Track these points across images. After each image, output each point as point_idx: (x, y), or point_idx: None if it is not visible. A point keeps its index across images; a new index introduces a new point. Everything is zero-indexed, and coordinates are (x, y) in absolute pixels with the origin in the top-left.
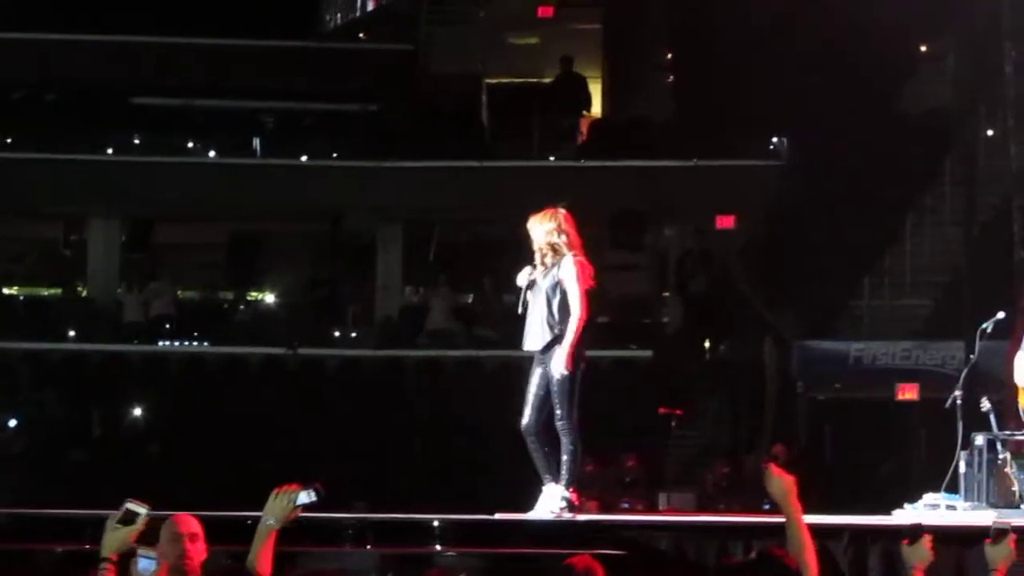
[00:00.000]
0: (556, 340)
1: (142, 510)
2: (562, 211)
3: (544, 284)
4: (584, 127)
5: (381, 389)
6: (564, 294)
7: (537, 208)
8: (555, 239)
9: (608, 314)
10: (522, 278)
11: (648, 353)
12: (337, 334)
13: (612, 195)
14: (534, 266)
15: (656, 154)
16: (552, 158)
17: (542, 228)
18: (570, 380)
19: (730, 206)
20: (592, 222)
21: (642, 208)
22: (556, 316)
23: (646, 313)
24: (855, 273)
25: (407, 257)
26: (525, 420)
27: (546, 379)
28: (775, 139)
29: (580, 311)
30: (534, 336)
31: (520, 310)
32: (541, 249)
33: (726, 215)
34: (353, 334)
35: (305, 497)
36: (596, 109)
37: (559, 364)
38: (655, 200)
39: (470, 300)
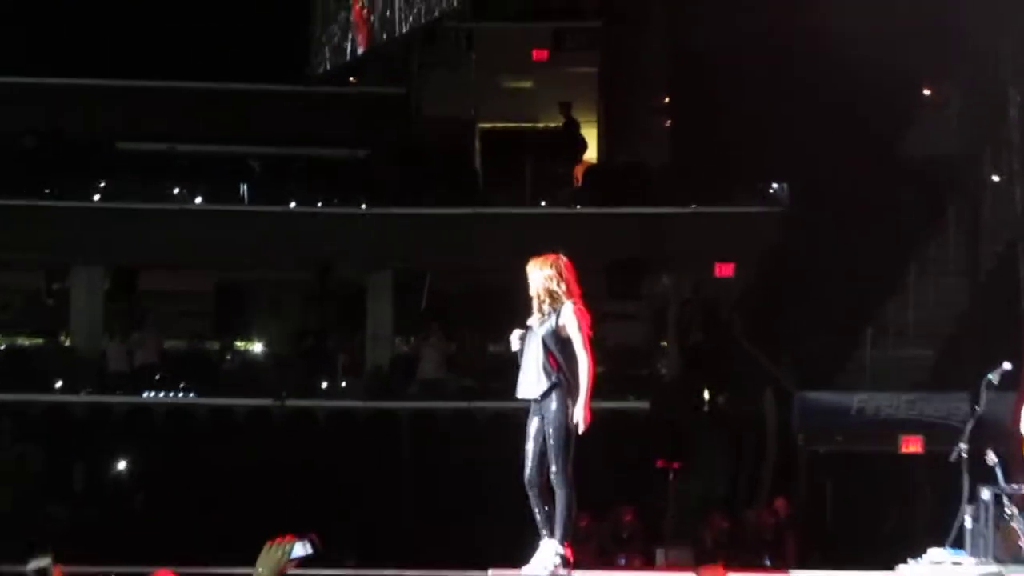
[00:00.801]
0: (553, 388)
1: (44, 562)
2: (563, 258)
3: (540, 331)
4: (579, 173)
5: (372, 441)
6: (562, 341)
7: (532, 255)
8: (554, 286)
9: (605, 364)
10: (515, 342)
11: (645, 404)
12: (326, 385)
13: (609, 242)
14: (526, 328)
15: (654, 200)
16: (545, 203)
17: (541, 273)
18: (567, 431)
19: (729, 254)
20: (588, 270)
21: (639, 256)
22: (553, 363)
23: (643, 363)
24: (857, 322)
25: (398, 306)
26: (527, 473)
27: (543, 430)
28: (775, 185)
29: (588, 358)
30: (529, 384)
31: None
32: (539, 295)
33: (725, 263)
34: (343, 384)
35: (300, 549)
36: (591, 154)
37: (562, 415)
38: (653, 248)
39: (462, 349)
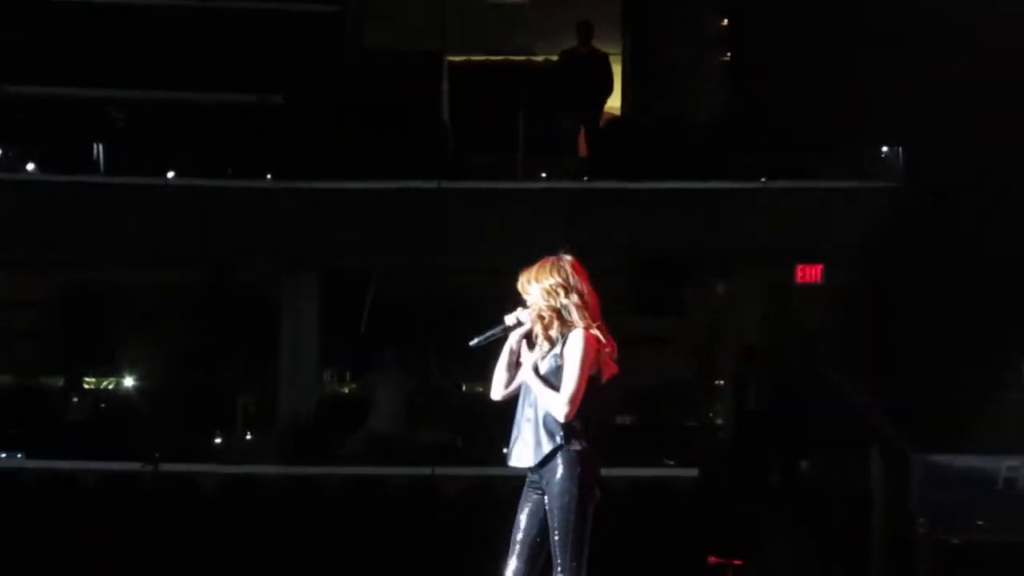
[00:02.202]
0: (557, 451)
1: None
2: (568, 259)
3: (543, 367)
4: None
5: (286, 524)
6: None
7: (524, 255)
8: (561, 300)
9: (630, 412)
10: (511, 317)
11: (691, 472)
12: (220, 441)
13: (635, 233)
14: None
15: (702, 171)
16: (544, 175)
17: (540, 287)
18: (579, 514)
19: (817, 250)
20: (604, 274)
21: (681, 253)
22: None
23: (687, 410)
24: (1005, 352)
25: (327, 324)
26: (509, 574)
27: (541, 512)
28: (884, 149)
29: (570, 389)
30: (525, 447)
31: (505, 377)
32: (541, 317)
33: (811, 263)
34: (245, 439)
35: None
36: (610, 103)
37: (571, 491)
38: (701, 241)
39: (424, 389)
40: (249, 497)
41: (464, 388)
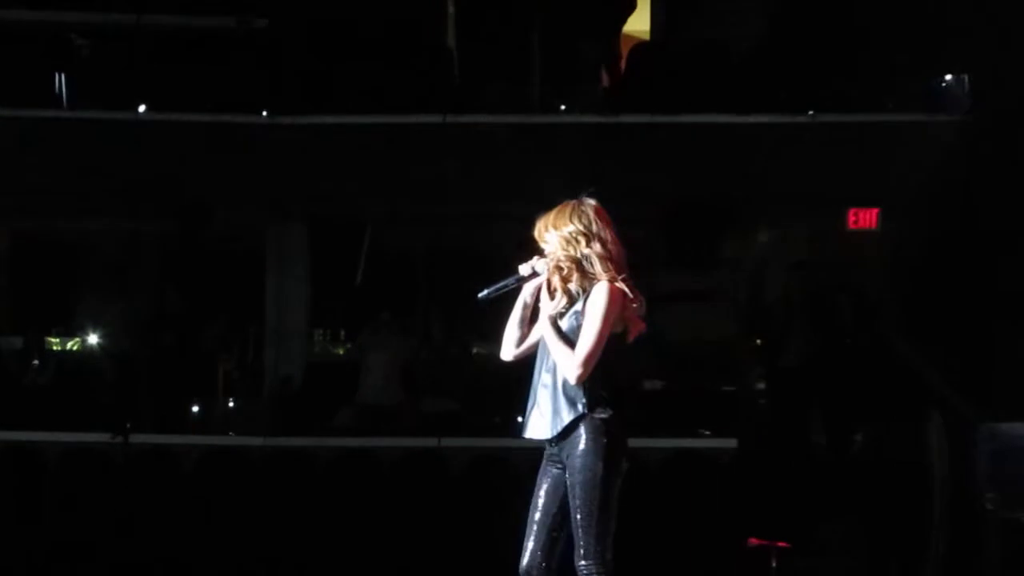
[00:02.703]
0: (580, 421)
1: None
2: (590, 203)
3: (563, 324)
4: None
5: (272, 499)
6: None
7: (544, 199)
8: (583, 249)
9: (661, 375)
10: (525, 267)
11: (731, 442)
12: (198, 409)
13: (666, 175)
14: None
15: (742, 103)
16: (564, 108)
17: (558, 234)
18: (604, 492)
19: (871, 193)
20: (632, 221)
21: (718, 196)
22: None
23: (726, 374)
24: None
25: (317, 278)
26: (525, 560)
27: (561, 489)
28: (947, 78)
29: (586, 347)
30: (541, 416)
31: (517, 334)
32: (560, 268)
33: (864, 208)
34: (228, 407)
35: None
36: (637, 25)
37: (595, 466)
38: (741, 183)
39: (428, 352)
40: (231, 472)
41: (474, 350)
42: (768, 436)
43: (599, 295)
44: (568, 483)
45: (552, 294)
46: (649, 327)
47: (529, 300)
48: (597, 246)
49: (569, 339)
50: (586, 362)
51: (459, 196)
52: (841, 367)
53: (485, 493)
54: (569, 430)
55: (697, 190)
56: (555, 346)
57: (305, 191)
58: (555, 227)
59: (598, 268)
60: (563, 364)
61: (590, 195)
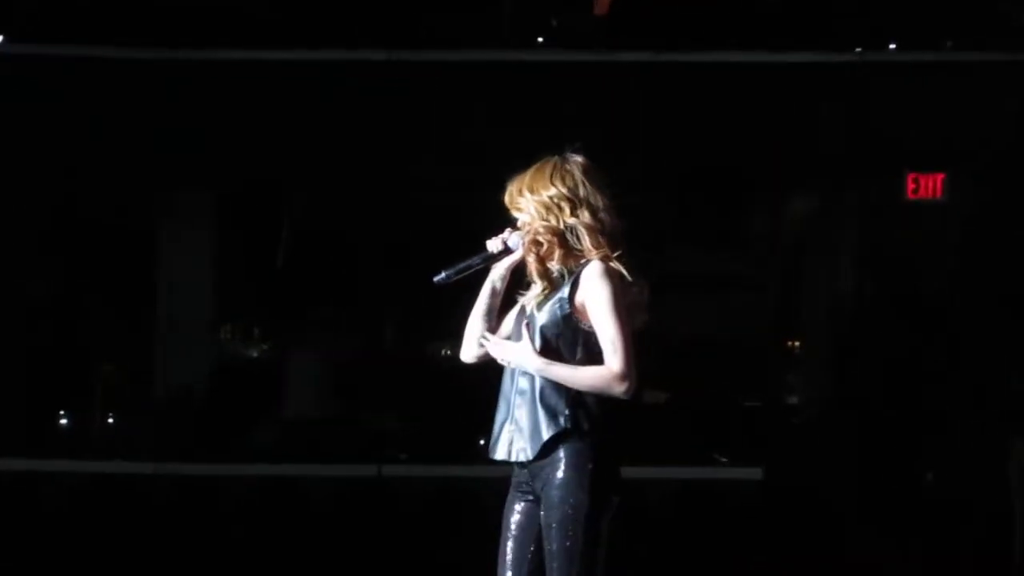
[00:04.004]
0: (561, 441)
1: None
2: (577, 161)
3: (541, 318)
4: None
5: (167, 542)
6: (584, 340)
7: (518, 155)
8: (566, 219)
9: (667, 385)
10: (494, 242)
11: (755, 473)
12: (69, 425)
13: (676, 127)
14: (519, 308)
15: (773, 39)
16: (541, 41)
17: (536, 200)
18: (586, 530)
19: (936, 154)
20: (631, 185)
21: (744, 157)
22: (565, 389)
23: (750, 384)
24: None
25: (225, 261)
26: None
27: (536, 526)
28: None
29: (621, 363)
30: (519, 432)
31: (482, 328)
32: (538, 243)
33: (927, 173)
34: (107, 423)
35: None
36: None
37: (577, 498)
38: (772, 140)
39: (373, 355)
40: (112, 508)
41: (429, 351)
42: (804, 466)
43: (596, 278)
44: (543, 521)
45: (529, 276)
46: (651, 321)
47: (499, 285)
48: (585, 215)
49: (551, 337)
50: (628, 361)
51: (410, 155)
52: (900, 379)
53: (441, 534)
54: (546, 451)
55: (716, 147)
56: (544, 351)
57: (211, 149)
58: (532, 190)
59: (586, 243)
60: (596, 376)
61: (576, 151)
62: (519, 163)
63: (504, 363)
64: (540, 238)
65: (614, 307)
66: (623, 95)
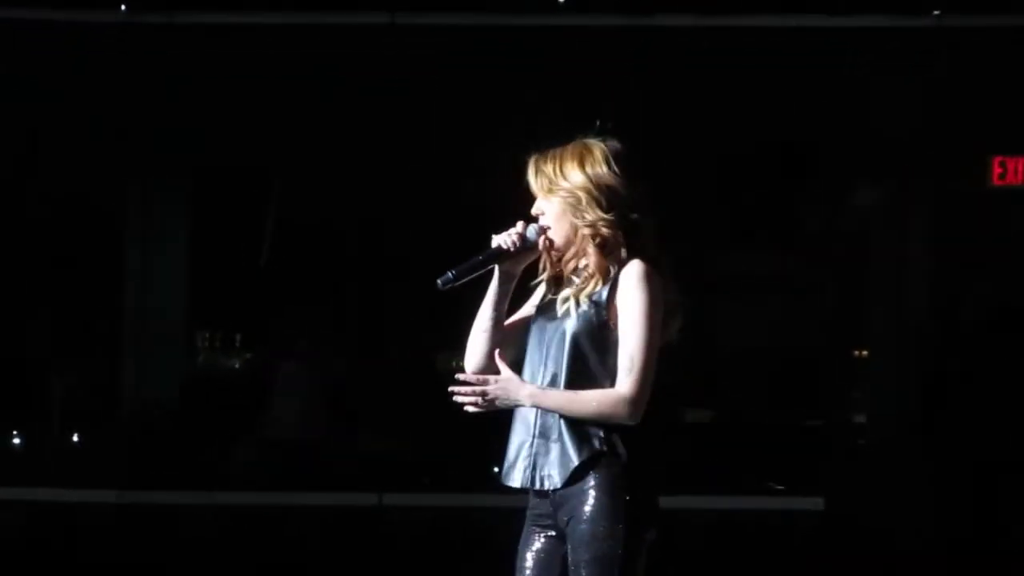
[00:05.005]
0: (592, 466)
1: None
2: (615, 145)
3: (572, 325)
4: None
5: (127, 567)
6: (616, 347)
7: (536, 142)
8: (597, 214)
9: (711, 403)
10: (507, 236)
11: (816, 502)
12: (23, 444)
13: (720, 105)
14: (536, 311)
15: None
16: (563, 2)
17: (572, 188)
18: (623, 565)
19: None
20: (670, 175)
21: (793, 139)
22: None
23: (813, 400)
24: None
25: (201, 258)
26: None
27: (557, 567)
28: None
29: (640, 362)
30: (544, 457)
31: (490, 337)
32: (561, 239)
33: (1015, 156)
34: (73, 439)
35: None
36: None
37: (598, 523)
38: (828, 118)
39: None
40: (73, 540)
41: (434, 363)
42: (871, 496)
43: (637, 280)
44: (571, 559)
45: (557, 276)
46: (688, 328)
47: (509, 286)
48: (628, 208)
49: (584, 348)
50: (642, 384)
51: (413, 136)
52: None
53: (447, 573)
54: (574, 478)
55: (766, 129)
56: (567, 360)
57: (187, 127)
58: (565, 175)
59: (631, 241)
60: (604, 397)
61: (606, 134)
62: (536, 146)
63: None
64: (572, 234)
65: (647, 318)
66: (659, 66)
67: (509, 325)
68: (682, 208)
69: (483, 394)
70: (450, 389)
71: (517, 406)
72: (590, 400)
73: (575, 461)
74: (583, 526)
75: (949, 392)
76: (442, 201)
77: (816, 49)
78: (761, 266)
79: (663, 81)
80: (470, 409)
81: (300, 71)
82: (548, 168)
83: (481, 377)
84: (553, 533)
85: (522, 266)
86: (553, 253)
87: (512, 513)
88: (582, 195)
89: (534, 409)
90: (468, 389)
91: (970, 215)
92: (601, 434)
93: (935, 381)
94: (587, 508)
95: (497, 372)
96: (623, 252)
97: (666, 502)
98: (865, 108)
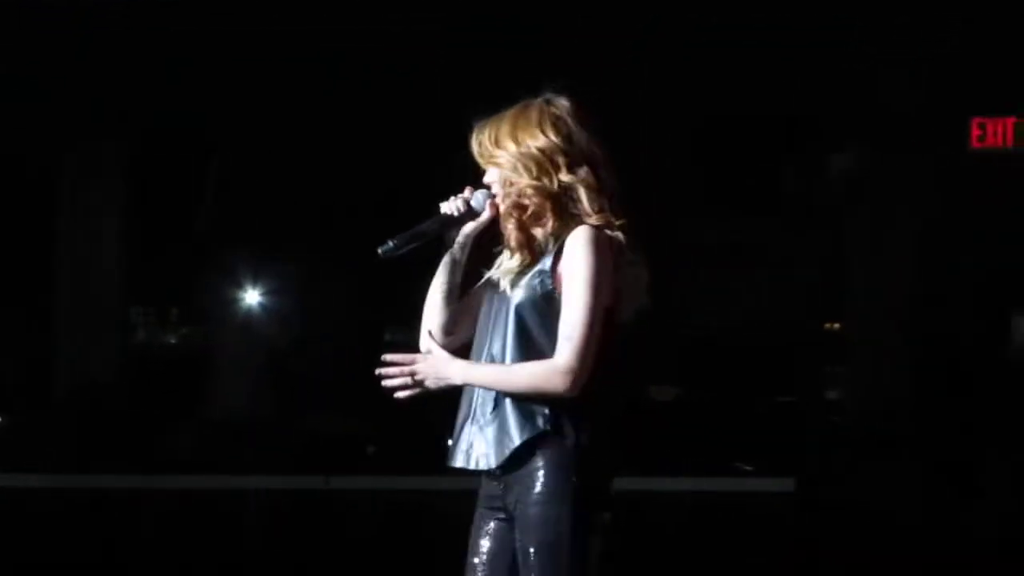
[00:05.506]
0: (537, 444)
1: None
2: (564, 103)
3: (516, 296)
4: None
5: (67, 568)
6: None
7: (490, 96)
8: (561, 177)
9: (679, 379)
10: (453, 203)
11: (786, 483)
12: None
13: (694, 66)
14: (486, 280)
15: None
16: None
17: (521, 153)
18: (571, 555)
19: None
20: (640, 139)
21: (767, 105)
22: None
23: (784, 377)
24: None
25: (137, 226)
26: None
27: (509, 549)
28: None
29: (578, 332)
30: (481, 436)
31: (443, 312)
32: (520, 207)
33: (995, 117)
34: None
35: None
36: None
37: (547, 505)
38: (810, 85)
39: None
40: (10, 527)
41: (384, 339)
42: (845, 476)
43: (582, 244)
44: (518, 545)
45: (505, 246)
46: (654, 301)
47: (460, 256)
48: (583, 171)
49: (528, 321)
50: (579, 354)
51: (365, 87)
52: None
53: (398, 557)
54: (520, 459)
55: (739, 92)
56: (512, 338)
57: (124, 88)
58: (515, 141)
59: (586, 206)
60: (538, 366)
61: (558, 93)
62: (491, 106)
63: (424, 386)
64: (527, 200)
65: (589, 284)
66: (621, 24)
67: (465, 298)
68: (657, 174)
69: (411, 374)
70: (377, 372)
71: (449, 385)
72: (521, 373)
73: (515, 441)
74: (531, 509)
75: (928, 364)
76: (398, 159)
77: (791, 12)
78: (733, 236)
79: (634, 43)
80: (400, 395)
81: (238, 24)
82: (484, 135)
83: (408, 356)
84: (503, 516)
85: (472, 235)
86: (511, 223)
87: (468, 495)
88: (514, 162)
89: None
90: (395, 370)
91: (953, 180)
92: (546, 412)
93: (913, 353)
94: (535, 491)
95: (451, 349)
96: (550, 220)
97: (630, 483)
98: (844, 72)
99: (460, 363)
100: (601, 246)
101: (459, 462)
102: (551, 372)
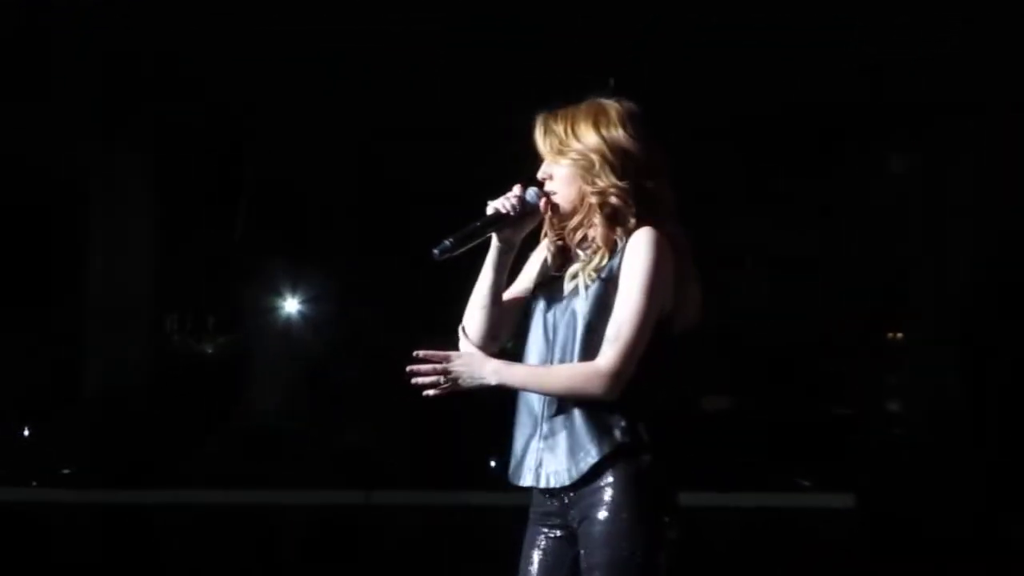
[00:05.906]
0: (612, 460)
1: None
2: (626, 107)
3: (579, 302)
4: None
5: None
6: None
7: (540, 97)
8: (610, 180)
9: (731, 391)
10: (505, 200)
11: (846, 499)
12: None
13: (736, 63)
14: (536, 285)
15: None
16: None
17: (586, 150)
18: (645, 570)
19: None
20: (679, 140)
21: (814, 99)
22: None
23: (843, 388)
24: None
25: (170, 238)
26: None
27: (564, 567)
28: None
29: (626, 336)
30: (551, 452)
31: (489, 313)
32: (576, 208)
33: None
34: (24, 434)
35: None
36: None
37: (618, 524)
38: (853, 77)
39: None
40: (27, 545)
41: (426, 346)
42: (906, 491)
43: (643, 244)
44: (583, 563)
45: (561, 247)
46: (708, 311)
47: (508, 256)
48: (658, 175)
49: (595, 324)
50: (626, 357)
51: (407, 93)
52: None
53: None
54: (598, 473)
55: (790, 89)
56: (580, 337)
57: (152, 91)
58: (578, 136)
59: (659, 209)
60: (582, 368)
61: (614, 93)
62: (536, 106)
63: (458, 386)
64: (581, 200)
65: (647, 286)
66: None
67: (507, 301)
68: (699, 179)
69: (445, 372)
70: (408, 369)
71: (483, 385)
72: (560, 374)
73: (594, 456)
74: (600, 526)
75: (991, 374)
76: (439, 166)
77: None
78: (786, 243)
79: (665, 43)
80: (430, 393)
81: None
82: (559, 128)
83: (441, 353)
84: (561, 533)
85: (522, 234)
86: (556, 220)
87: (515, 511)
88: (595, 158)
89: (541, 397)
90: (428, 367)
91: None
92: (623, 423)
93: (976, 363)
94: (605, 506)
95: (499, 353)
96: (632, 223)
97: (685, 498)
98: (893, 67)
99: (496, 362)
100: (665, 250)
101: (528, 481)
102: (592, 374)
